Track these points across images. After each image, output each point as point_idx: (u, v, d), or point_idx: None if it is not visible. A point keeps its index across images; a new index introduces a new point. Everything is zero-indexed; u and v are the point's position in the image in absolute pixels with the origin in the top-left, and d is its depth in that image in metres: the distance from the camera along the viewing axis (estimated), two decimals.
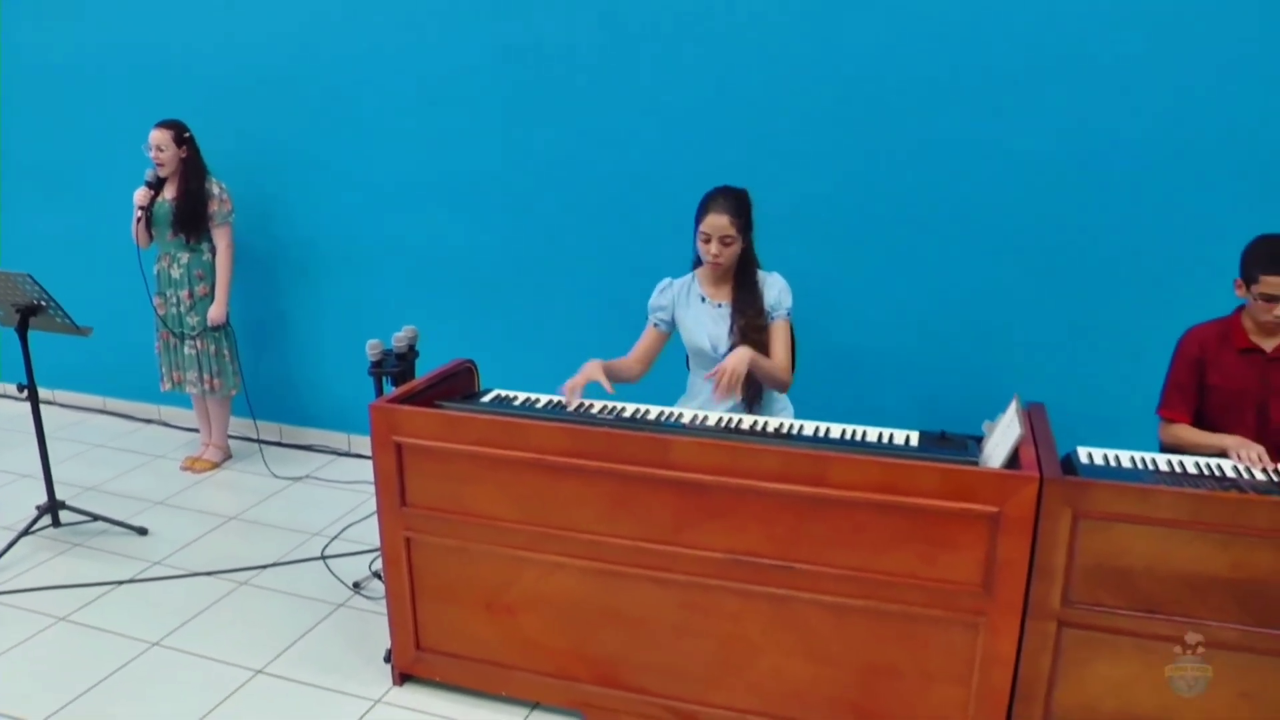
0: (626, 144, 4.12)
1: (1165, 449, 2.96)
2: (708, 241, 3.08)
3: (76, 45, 5.00)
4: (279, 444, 5.08)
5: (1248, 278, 2.75)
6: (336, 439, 5.02)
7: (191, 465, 4.76)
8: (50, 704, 2.95)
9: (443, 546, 2.86)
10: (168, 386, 4.66)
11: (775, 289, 3.19)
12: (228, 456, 4.87)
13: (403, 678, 3.06)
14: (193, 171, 4.40)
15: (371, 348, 3.24)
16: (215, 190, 4.43)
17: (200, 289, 4.50)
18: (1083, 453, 2.59)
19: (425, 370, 3.17)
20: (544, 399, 2.97)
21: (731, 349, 3.15)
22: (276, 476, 4.66)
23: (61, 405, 5.67)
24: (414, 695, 3.01)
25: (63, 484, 4.27)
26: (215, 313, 4.50)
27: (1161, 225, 3.52)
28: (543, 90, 4.19)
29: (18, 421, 5.14)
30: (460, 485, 2.78)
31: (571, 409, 2.88)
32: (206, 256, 4.50)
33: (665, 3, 3.92)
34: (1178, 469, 2.53)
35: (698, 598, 2.64)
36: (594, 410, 2.86)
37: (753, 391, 3.17)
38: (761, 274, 3.21)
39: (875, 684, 2.57)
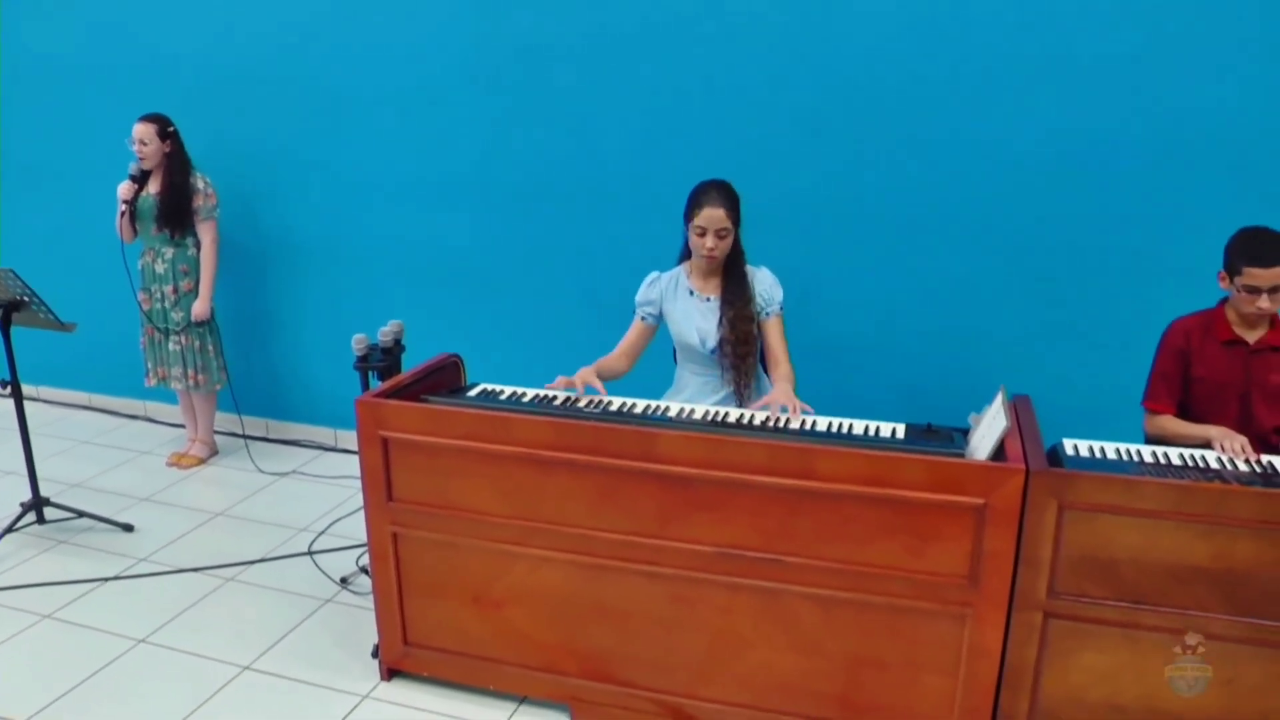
0: (610, 139, 4.11)
1: (1150, 440, 2.97)
2: (703, 235, 3.07)
3: (60, 39, 4.96)
4: (265, 439, 5.06)
5: (1231, 270, 2.77)
6: (323, 434, 5.01)
7: (177, 461, 4.74)
8: (36, 702, 2.93)
9: (430, 541, 2.85)
10: (152, 382, 4.64)
11: (765, 284, 3.20)
12: (214, 452, 4.85)
13: (390, 673, 3.05)
14: (177, 166, 4.37)
15: (357, 342, 3.23)
16: (200, 185, 4.41)
17: (185, 284, 4.48)
18: (1068, 444, 2.60)
19: (411, 365, 3.16)
20: (530, 393, 2.96)
21: (721, 342, 3.15)
22: (263, 472, 4.64)
23: (46, 401, 5.64)
24: (402, 690, 3.00)
25: (47, 480, 4.24)
26: (200, 308, 4.47)
27: (1146, 219, 3.54)
28: (527, 85, 4.18)
29: (1, 418, 5.10)
30: (447, 480, 2.77)
31: (560, 401, 2.87)
32: (191, 251, 4.48)
33: (650, 1, 3.90)
34: (1162, 460, 2.55)
35: (685, 591, 2.64)
36: (581, 404, 2.86)
37: (744, 381, 3.17)
38: (749, 268, 3.21)
39: (863, 676, 2.58)
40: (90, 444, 5.02)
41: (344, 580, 3.62)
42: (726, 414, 2.81)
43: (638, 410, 2.83)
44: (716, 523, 2.55)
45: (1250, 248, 2.72)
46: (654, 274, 3.30)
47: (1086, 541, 2.33)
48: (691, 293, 3.23)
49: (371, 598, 3.03)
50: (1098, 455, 2.56)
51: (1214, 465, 2.53)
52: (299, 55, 4.51)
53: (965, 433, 2.62)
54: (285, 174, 4.71)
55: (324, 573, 3.68)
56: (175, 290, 4.46)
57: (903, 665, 2.54)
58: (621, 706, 2.81)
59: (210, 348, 4.58)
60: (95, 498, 4.31)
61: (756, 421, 2.74)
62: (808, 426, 2.70)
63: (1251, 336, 2.84)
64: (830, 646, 2.58)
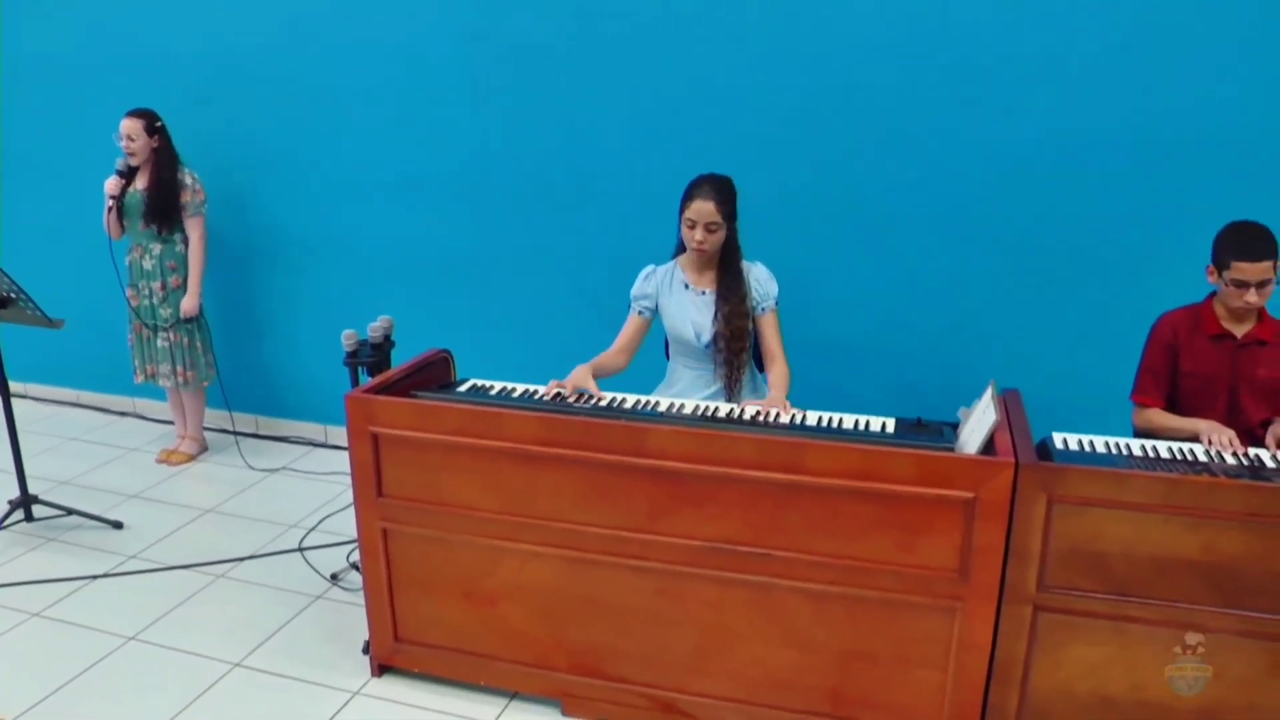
0: (602, 135, 4.11)
1: (1139, 434, 2.98)
2: (693, 228, 3.08)
3: (49, 35, 4.93)
4: (255, 435, 5.05)
5: (1219, 264, 2.78)
6: (313, 430, 5.00)
7: (167, 458, 4.72)
8: (25, 700, 2.92)
9: (420, 537, 2.85)
10: (141, 379, 4.62)
11: (761, 279, 3.20)
12: (204, 449, 4.84)
13: (381, 669, 3.05)
14: (165, 161, 4.35)
15: (347, 338, 3.22)
16: (188, 180, 4.39)
17: (173, 280, 4.46)
18: (1058, 438, 2.61)
19: (401, 360, 3.15)
20: (520, 388, 2.96)
21: (715, 336, 3.16)
22: (253, 468, 4.63)
23: (34, 399, 5.61)
24: (392, 686, 3.00)
25: (36, 478, 4.23)
26: (188, 304, 4.45)
27: (1134, 214, 3.55)
28: (519, 81, 4.17)
29: None
30: (437, 475, 2.77)
31: (550, 396, 2.87)
32: (179, 247, 4.46)
33: None
34: (1151, 454, 2.56)
35: (675, 586, 2.64)
36: (570, 399, 2.85)
37: (737, 376, 3.17)
38: (745, 263, 3.21)
39: (853, 670, 2.59)
40: (79, 441, 5.00)
41: (334, 576, 3.61)
42: (716, 409, 2.81)
43: (627, 405, 2.83)
44: (707, 517, 2.55)
45: (1237, 242, 2.73)
46: (649, 267, 3.30)
47: (1076, 535, 2.34)
48: (687, 286, 3.23)
49: (362, 594, 3.02)
50: (1087, 449, 2.57)
51: (1202, 458, 2.54)
52: (289, 51, 4.49)
53: (955, 427, 2.63)
54: (275, 170, 4.69)
55: (314, 569, 3.67)
56: (164, 287, 4.44)
57: (893, 659, 2.55)
58: (612, 701, 2.82)
59: (199, 344, 4.57)
60: (84, 495, 4.30)
61: (746, 416, 2.74)
62: (798, 421, 2.70)
63: (1239, 330, 2.85)
64: (821, 641, 2.58)
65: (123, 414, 5.39)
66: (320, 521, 4.07)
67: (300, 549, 3.84)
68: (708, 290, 3.21)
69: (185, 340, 4.51)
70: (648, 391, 3.18)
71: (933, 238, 3.79)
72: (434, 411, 2.74)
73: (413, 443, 2.76)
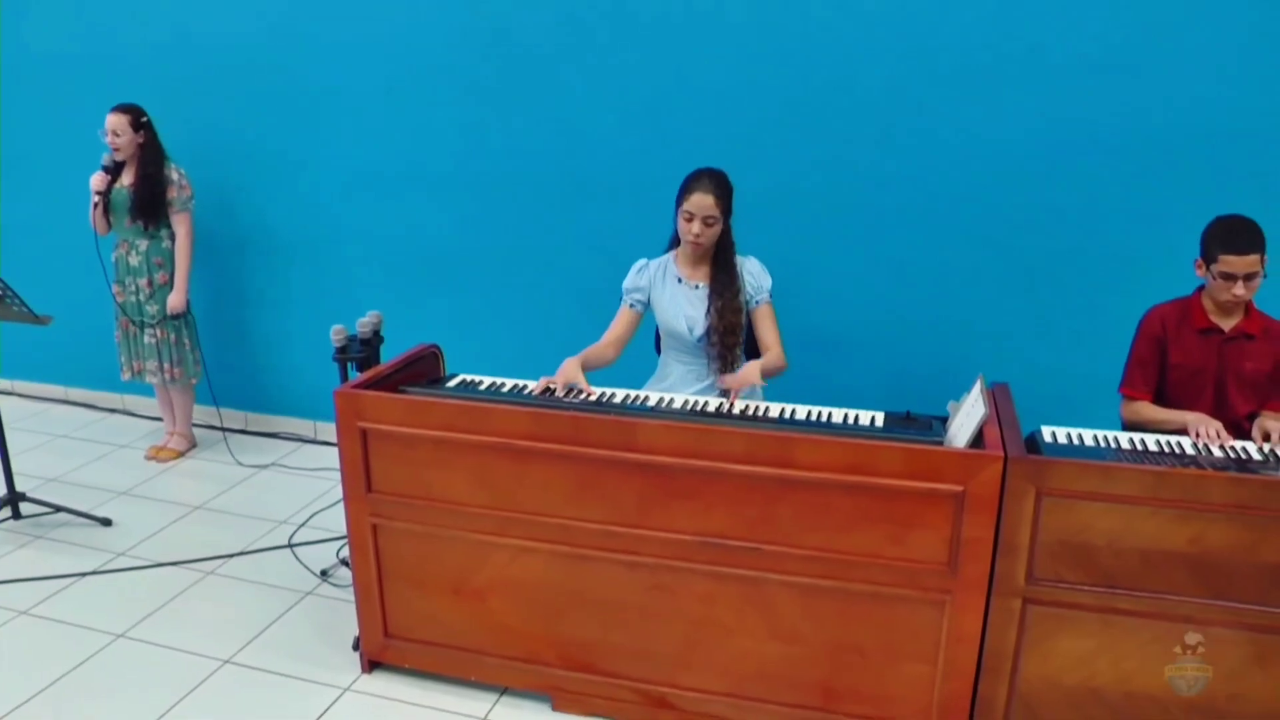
0: (591, 129, 4.10)
1: (1127, 426, 3.00)
2: (690, 220, 3.07)
3: (33, 29, 4.90)
4: (244, 432, 5.04)
5: (1207, 257, 2.80)
6: (302, 426, 4.99)
7: (156, 454, 4.71)
8: (13, 698, 2.91)
9: (410, 532, 2.85)
10: (128, 376, 4.60)
11: (754, 273, 3.21)
12: (193, 445, 4.82)
13: (371, 665, 3.05)
14: (151, 157, 4.33)
15: (336, 333, 3.21)
16: (174, 176, 4.36)
17: (160, 277, 4.44)
18: (1046, 432, 2.62)
19: (390, 356, 3.15)
20: (509, 383, 2.96)
21: (708, 330, 3.16)
22: (242, 465, 4.62)
23: (21, 396, 5.58)
24: (383, 682, 3.00)
25: (23, 475, 4.21)
26: (175, 300, 4.43)
27: (1122, 209, 3.57)
28: (507, 76, 4.16)
29: None
30: (426, 470, 2.76)
31: (539, 391, 2.87)
32: (166, 244, 4.43)
33: None
34: (1139, 446, 2.57)
35: (666, 580, 2.64)
36: (560, 394, 2.85)
37: (727, 371, 3.18)
38: (738, 258, 3.21)
39: (843, 663, 2.59)
40: (67, 438, 4.98)
41: (324, 573, 3.61)
42: (706, 403, 2.81)
43: (617, 400, 2.83)
44: (696, 512, 2.56)
45: (1225, 235, 2.75)
46: (642, 261, 3.30)
47: (1064, 528, 2.34)
48: (680, 280, 3.23)
49: (352, 590, 3.02)
50: (1075, 442, 2.58)
51: (1189, 451, 2.55)
52: (276, 46, 4.47)
53: (944, 420, 2.64)
54: (262, 165, 4.67)
55: (304, 565, 3.66)
56: (150, 283, 4.42)
57: (883, 652, 2.55)
58: (603, 696, 2.82)
59: (186, 341, 4.55)
60: (73, 492, 4.28)
61: (736, 411, 2.74)
62: (787, 415, 2.71)
63: (1226, 324, 2.86)
64: (811, 634, 2.59)
65: (111, 410, 5.37)
66: (310, 518, 4.06)
67: (290, 545, 3.83)
68: (701, 284, 3.21)
69: (172, 337, 4.49)
70: (638, 386, 3.17)
71: (922, 233, 3.79)
72: (423, 407, 2.74)
73: (402, 438, 2.76)
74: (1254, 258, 2.71)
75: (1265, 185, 3.38)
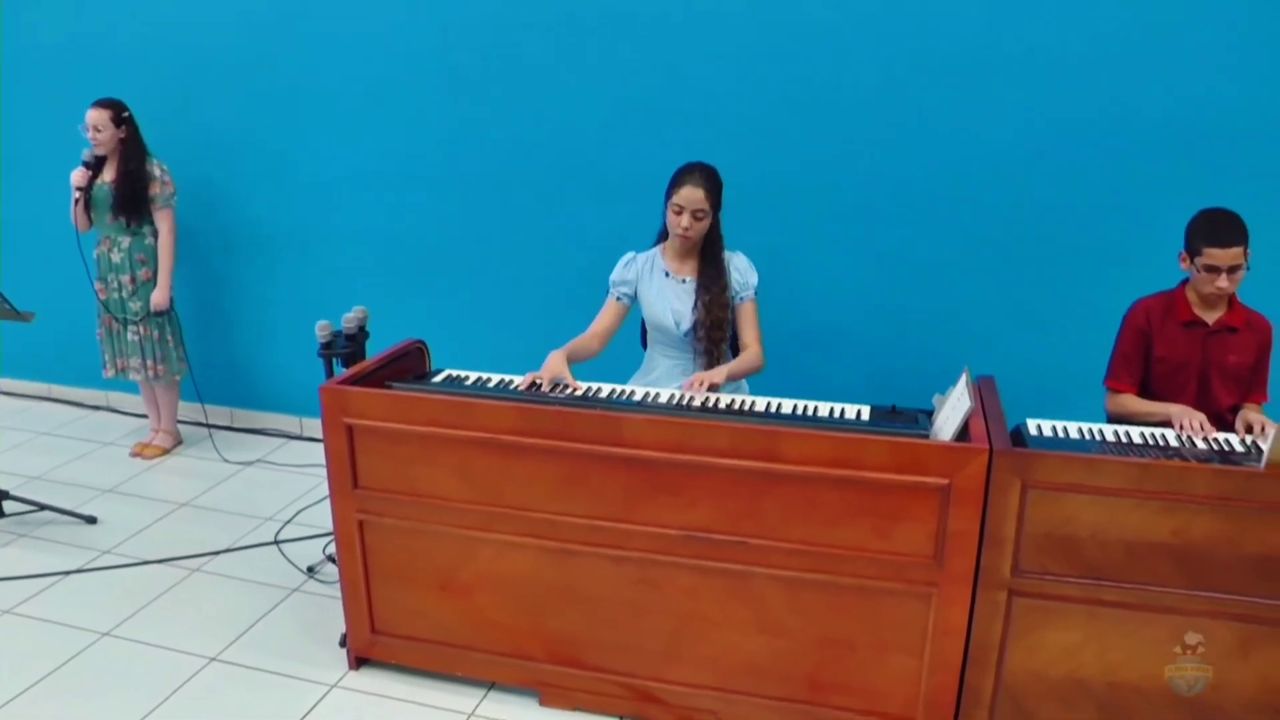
0: (577, 125, 4.09)
1: (1112, 419, 3.01)
2: (679, 214, 3.07)
3: (13, 23, 4.86)
4: (230, 428, 5.02)
5: (1191, 250, 2.81)
6: (288, 422, 4.97)
7: (141, 451, 4.68)
8: None
9: (396, 528, 2.84)
10: (111, 373, 4.57)
11: (741, 269, 3.20)
12: (178, 442, 4.80)
13: (358, 661, 3.04)
14: (132, 153, 4.30)
15: (321, 329, 3.20)
16: (156, 172, 4.33)
17: (143, 273, 4.40)
18: (1032, 425, 2.63)
19: (376, 351, 3.14)
20: (495, 378, 2.95)
21: (695, 325, 3.16)
22: (228, 461, 4.60)
23: (4, 393, 5.55)
24: (370, 679, 2.99)
25: (6, 473, 4.19)
26: (158, 297, 4.41)
27: (1107, 203, 3.59)
28: (493, 71, 4.15)
29: None
30: (412, 466, 2.76)
31: (525, 386, 2.86)
32: (148, 240, 4.40)
33: None
34: (1124, 439, 2.58)
35: (652, 574, 2.64)
36: (546, 389, 2.85)
37: (713, 365, 3.17)
38: (726, 253, 3.21)
39: (830, 656, 2.60)
40: (51, 435, 4.95)
41: (311, 569, 3.60)
42: (692, 398, 2.81)
43: (603, 394, 2.82)
44: (682, 506, 2.56)
45: (1209, 228, 2.77)
46: (630, 254, 3.29)
47: (1049, 520, 2.35)
48: (667, 274, 3.23)
49: (338, 586, 3.01)
50: (1060, 435, 2.59)
51: (1173, 443, 2.57)
52: (260, 40, 4.45)
53: (930, 414, 2.64)
54: (247, 161, 4.65)
55: (291, 562, 3.65)
56: (133, 280, 4.39)
57: (869, 645, 2.56)
58: (590, 691, 2.82)
59: (170, 338, 4.52)
60: (57, 490, 4.25)
61: (722, 405, 2.74)
62: (773, 409, 2.71)
63: (1210, 317, 2.88)
64: (797, 627, 2.59)
65: (96, 408, 5.34)
66: (296, 514, 4.05)
67: (276, 542, 3.82)
68: (689, 278, 3.21)
69: (155, 334, 4.47)
70: (624, 380, 3.17)
71: (909, 228, 3.80)
72: (409, 402, 2.73)
73: (388, 434, 2.75)
74: (1237, 250, 2.73)
75: (1249, 179, 3.40)
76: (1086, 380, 3.21)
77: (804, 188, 3.87)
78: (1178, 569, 2.32)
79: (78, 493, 4.24)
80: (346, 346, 3.19)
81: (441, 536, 2.80)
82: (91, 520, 3.97)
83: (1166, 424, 2.72)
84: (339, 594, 3.01)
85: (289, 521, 3.99)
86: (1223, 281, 2.75)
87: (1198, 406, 2.81)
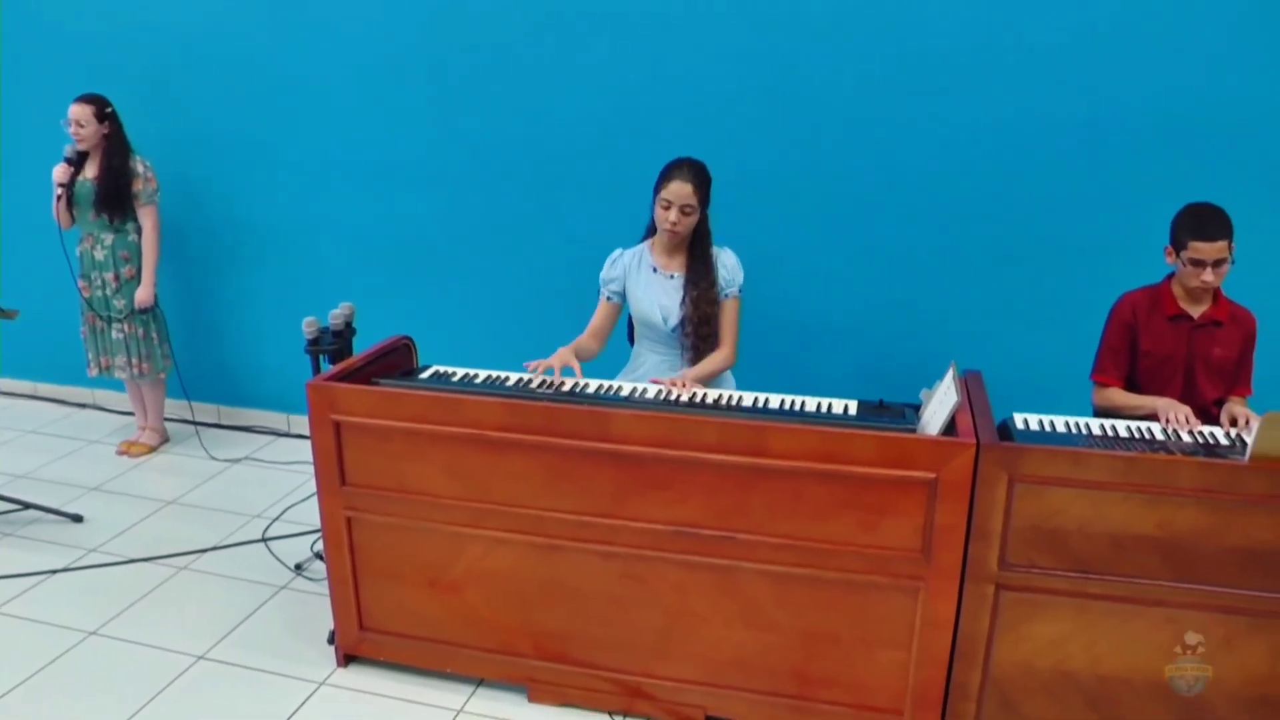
0: (564, 120, 4.08)
1: (1098, 412, 3.02)
2: (668, 208, 3.07)
3: None
4: (217, 426, 5.00)
5: (1177, 244, 2.83)
6: (275, 419, 4.95)
7: (127, 449, 4.66)
8: None
9: (384, 525, 2.83)
10: (95, 372, 4.53)
11: (729, 265, 3.20)
12: (165, 440, 4.78)
13: (347, 659, 3.03)
14: (115, 149, 4.26)
15: (308, 325, 3.19)
16: (140, 168, 4.30)
17: (126, 271, 4.37)
18: (1018, 419, 2.64)
19: (363, 348, 3.13)
20: (482, 374, 2.94)
21: (683, 320, 3.15)
22: (215, 459, 4.58)
23: None
24: (358, 676, 2.99)
25: None
26: (142, 295, 4.38)
27: (1094, 197, 3.60)
28: (479, 66, 4.13)
29: None
30: (400, 462, 2.75)
31: (511, 381, 2.86)
32: (132, 237, 4.37)
33: None
34: (1109, 432, 2.59)
35: (640, 570, 2.65)
36: (533, 385, 2.84)
37: (699, 359, 3.18)
38: (714, 249, 3.21)
39: (818, 650, 2.60)
40: (36, 434, 4.92)
41: (299, 566, 3.59)
42: (679, 393, 2.81)
43: (590, 390, 2.82)
44: (670, 501, 2.56)
45: (1194, 222, 2.78)
46: (617, 251, 3.29)
47: (1036, 513, 2.36)
48: (655, 269, 3.23)
49: (326, 584, 3.00)
50: (1047, 429, 2.59)
51: (1159, 437, 2.58)
52: (245, 35, 4.42)
53: (917, 409, 2.65)
54: (232, 156, 4.62)
55: (278, 559, 3.64)
56: (117, 277, 4.36)
57: (857, 639, 2.57)
58: (578, 687, 2.82)
59: (154, 335, 4.49)
60: (43, 488, 4.23)
61: (709, 400, 2.74)
62: (760, 404, 2.71)
63: (1196, 311, 2.89)
64: (785, 622, 2.60)
65: (81, 406, 5.31)
66: (284, 511, 4.04)
67: (264, 539, 3.80)
68: (676, 274, 3.21)
69: (140, 331, 4.44)
70: (611, 376, 3.17)
71: (896, 222, 3.80)
72: (396, 399, 2.72)
73: (375, 430, 2.74)
74: (1222, 244, 2.74)
75: (1234, 174, 3.42)
76: (1073, 374, 3.23)
77: (790, 183, 3.87)
78: (1163, 561, 2.33)
79: (64, 491, 4.22)
80: (333, 343, 3.18)
81: (429, 533, 2.80)
82: (78, 519, 3.95)
83: (1152, 417, 2.73)
84: (327, 591, 3.00)
85: (277, 519, 3.98)
86: (1208, 275, 2.76)
87: (1183, 400, 2.82)
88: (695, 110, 3.89)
